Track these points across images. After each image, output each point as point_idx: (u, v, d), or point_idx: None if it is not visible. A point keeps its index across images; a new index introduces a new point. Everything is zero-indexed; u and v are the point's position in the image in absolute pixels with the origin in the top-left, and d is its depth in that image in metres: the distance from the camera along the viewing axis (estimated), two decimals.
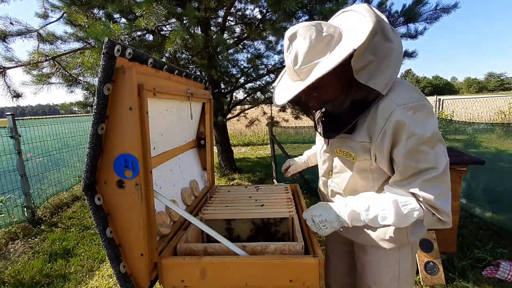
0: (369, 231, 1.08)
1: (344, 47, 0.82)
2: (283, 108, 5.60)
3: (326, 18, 3.50)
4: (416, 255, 2.30)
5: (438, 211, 0.86)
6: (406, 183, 0.87)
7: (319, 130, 1.09)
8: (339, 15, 0.95)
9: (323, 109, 1.08)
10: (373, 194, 0.97)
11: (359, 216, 0.94)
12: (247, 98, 5.49)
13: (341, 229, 1.07)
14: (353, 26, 0.85)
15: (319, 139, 1.20)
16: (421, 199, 0.86)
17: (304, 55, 0.85)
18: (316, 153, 1.26)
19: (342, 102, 0.94)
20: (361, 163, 0.97)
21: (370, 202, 0.93)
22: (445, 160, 0.86)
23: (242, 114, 6.14)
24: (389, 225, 0.93)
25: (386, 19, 0.86)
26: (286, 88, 0.96)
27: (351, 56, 0.81)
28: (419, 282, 2.25)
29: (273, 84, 1.11)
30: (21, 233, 3.43)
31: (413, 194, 0.87)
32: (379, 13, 0.85)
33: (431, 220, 0.88)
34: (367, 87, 0.85)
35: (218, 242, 0.98)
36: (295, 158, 1.60)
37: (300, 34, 0.86)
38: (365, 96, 0.87)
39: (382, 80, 0.84)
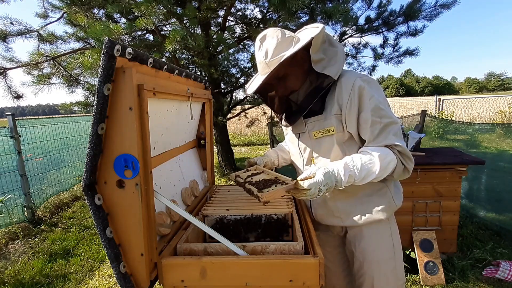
0: (361, 209, 1.17)
1: (303, 40, 1.05)
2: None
3: (327, 17, 3.50)
4: (416, 255, 2.31)
5: (407, 158, 1.04)
6: (380, 139, 1.04)
7: (283, 121, 1.25)
8: (297, 32, 1.19)
9: (285, 104, 1.22)
10: (360, 154, 1.06)
11: (354, 171, 1.01)
12: (247, 98, 5.48)
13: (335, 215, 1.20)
14: (308, 33, 1.09)
15: (291, 139, 1.30)
16: (398, 148, 1.03)
17: (273, 50, 1.05)
18: (292, 154, 1.35)
19: (303, 89, 1.13)
20: (339, 135, 1.11)
21: (361, 157, 1.03)
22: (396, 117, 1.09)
23: (242, 114, 6.13)
24: (372, 179, 1.03)
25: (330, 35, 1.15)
26: (258, 80, 1.16)
27: (309, 45, 1.03)
28: (419, 282, 2.25)
29: (246, 86, 1.29)
30: (21, 233, 3.44)
31: (391, 146, 1.03)
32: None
33: (399, 171, 1.05)
34: (323, 74, 1.07)
35: (218, 242, 0.98)
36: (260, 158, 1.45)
37: (269, 35, 1.08)
38: (321, 82, 1.09)
39: (333, 69, 1.07)
